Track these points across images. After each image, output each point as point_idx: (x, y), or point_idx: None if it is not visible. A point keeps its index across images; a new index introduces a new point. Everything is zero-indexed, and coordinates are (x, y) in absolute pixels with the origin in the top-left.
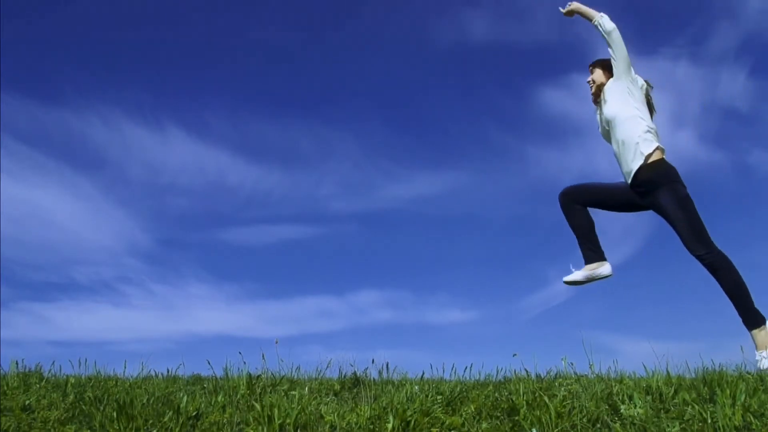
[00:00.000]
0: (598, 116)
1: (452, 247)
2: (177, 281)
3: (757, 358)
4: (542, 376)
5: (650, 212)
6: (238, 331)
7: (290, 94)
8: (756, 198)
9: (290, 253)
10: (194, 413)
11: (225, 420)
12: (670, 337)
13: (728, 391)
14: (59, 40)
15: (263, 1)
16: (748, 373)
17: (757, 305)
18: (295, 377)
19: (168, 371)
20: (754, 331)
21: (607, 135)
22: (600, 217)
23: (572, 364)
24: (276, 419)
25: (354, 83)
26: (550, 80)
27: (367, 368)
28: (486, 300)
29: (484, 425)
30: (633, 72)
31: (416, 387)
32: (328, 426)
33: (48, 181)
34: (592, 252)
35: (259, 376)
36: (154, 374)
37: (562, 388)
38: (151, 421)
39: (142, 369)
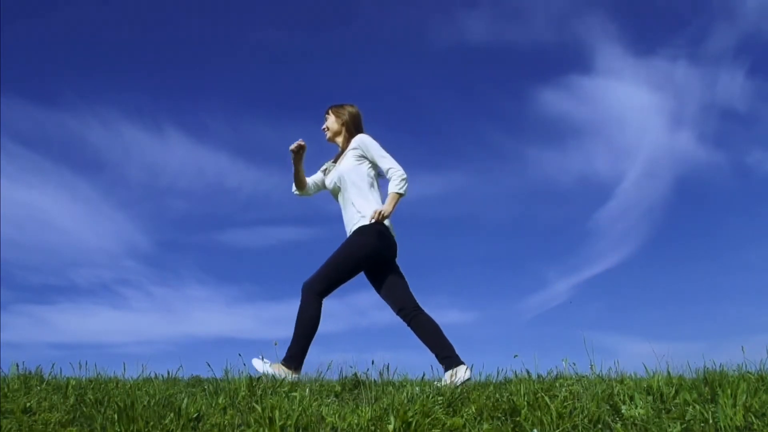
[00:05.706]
0: (327, 165)
1: (451, 248)
2: (176, 283)
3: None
4: (543, 377)
5: (653, 214)
6: (238, 333)
7: (289, 95)
8: (755, 198)
9: (290, 255)
10: (195, 415)
11: (226, 422)
12: (670, 337)
13: (729, 391)
14: (58, 43)
15: (262, 3)
16: (749, 373)
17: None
18: (296, 379)
19: (168, 373)
20: None
21: (336, 191)
22: (599, 219)
23: (573, 365)
24: (277, 421)
25: (352, 84)
26: (549, 81)
27: (367, 369)
28: (486, 301)
29: (485, 426)
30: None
31: (417, 388)
32: (329, 427)
33: (47, 183)
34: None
35: (259, 378)
36: (154, 376)
37: (563, 389)
38: (152, 423)
39: (143, 371)
